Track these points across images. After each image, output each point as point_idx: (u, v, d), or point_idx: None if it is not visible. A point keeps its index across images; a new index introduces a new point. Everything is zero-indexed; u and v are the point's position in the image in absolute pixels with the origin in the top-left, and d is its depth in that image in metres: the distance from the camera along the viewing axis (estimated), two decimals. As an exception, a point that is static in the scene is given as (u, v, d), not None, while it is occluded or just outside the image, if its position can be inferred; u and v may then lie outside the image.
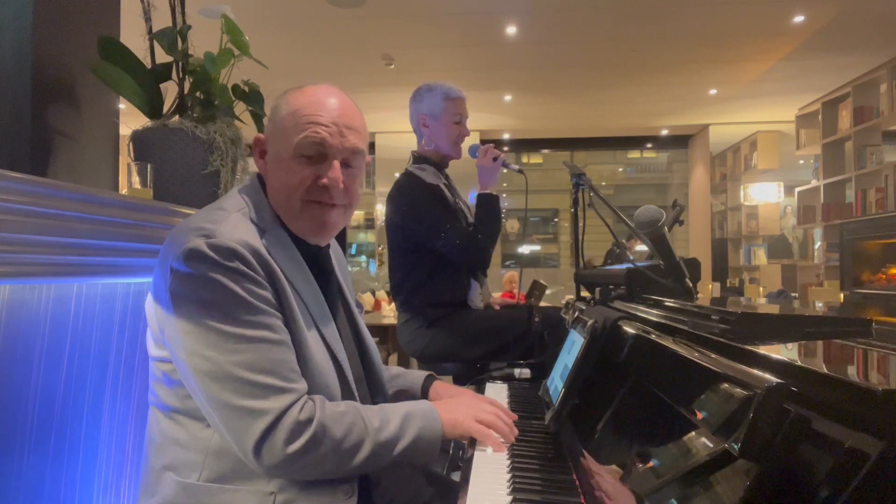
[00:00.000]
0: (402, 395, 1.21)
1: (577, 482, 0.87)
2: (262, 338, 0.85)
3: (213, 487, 0.87)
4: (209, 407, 0.85)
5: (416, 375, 1.23)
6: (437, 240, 1.90)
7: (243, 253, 0.87)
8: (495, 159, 1.96)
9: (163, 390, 0.93)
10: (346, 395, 0.98)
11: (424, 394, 1.20)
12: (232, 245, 0.86)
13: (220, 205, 0.97)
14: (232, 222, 0.91)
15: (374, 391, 1.12)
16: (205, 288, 0.84)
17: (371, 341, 1.16)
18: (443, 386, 1.21)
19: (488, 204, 1.94)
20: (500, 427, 0.99)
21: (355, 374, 1.03)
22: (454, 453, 1.49)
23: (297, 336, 0.92)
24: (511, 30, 4.44)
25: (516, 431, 1.03)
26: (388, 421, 0.91)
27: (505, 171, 2.05)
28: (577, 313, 1.23)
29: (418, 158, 2.06)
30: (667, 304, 1.08)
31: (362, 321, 1.18)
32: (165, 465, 0.90)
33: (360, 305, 1.20)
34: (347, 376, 0.99)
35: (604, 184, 12.33)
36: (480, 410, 1.01)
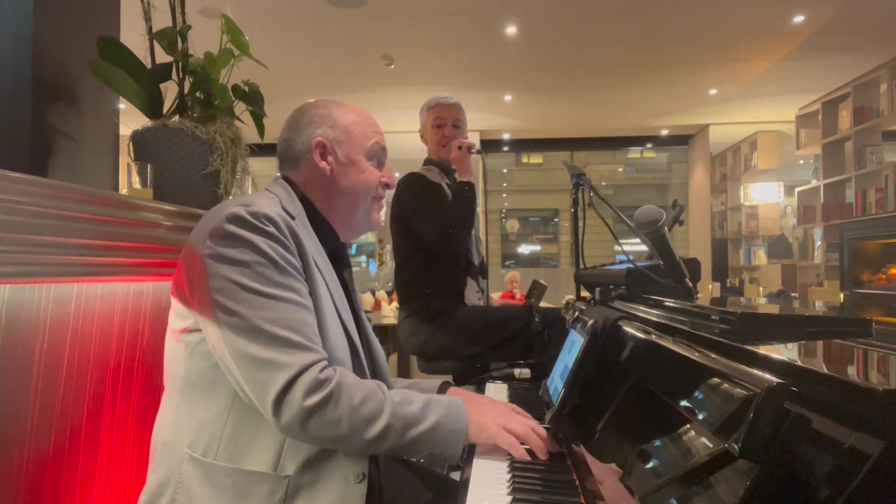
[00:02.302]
0: None
1: (577, 482, 0.87)
2: (290, 299, 0.91)
3: (228, 468, 0.89)
4: (234, 362, 0.87)
5: (430, 384, 1.23)
6: (419, 224, 2.01)
7: (278, 221, 0.94)
8: (460, 147, 2.07)
9: (183, 365, 0.95)
10: (359, 373, 1.00)
11: None
12: (269, 213, 0.94)
13: (250, 194, 1.07)
14: (267, 202, 0.99)
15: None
16: (241, 249, 0.90)
17: (376, 339, 1.20)
18: (460, 392, 1.19)
19: (460, 190, 2.04)
20: (532, 439, 0.96)
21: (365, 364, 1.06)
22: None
23: (318, 309, 0.96)
24: (511, 30, 4.44)
25: (552, 447, 0.97)
26: (411, 401, 0.93)
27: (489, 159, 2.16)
28: (577, 313, 1.23)
29: (426, 161, 2.22)
30: (667, 304, 1.08)
31: (367, 321, 1.20)
32: (183, 442, 0.92)
33: (368, 319, 1.23)
34: (360, 355, 1.03)
35: (604, 184, 12.34)
36: (511, 420, 0.98)
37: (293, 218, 1.01)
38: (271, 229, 0.93)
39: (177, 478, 0.90)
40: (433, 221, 1.98)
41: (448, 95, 2.19)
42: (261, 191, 1.11)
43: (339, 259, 1.13)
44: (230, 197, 1.48)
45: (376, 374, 1.13)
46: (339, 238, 1.14)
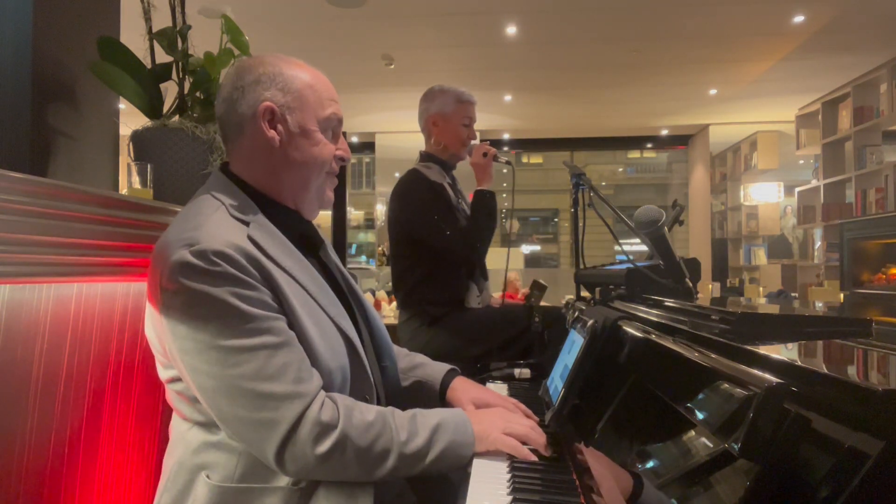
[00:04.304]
0: (420, 386, 1.19)
1: (577, 482, 0.87)
2: (263, 344, 0.83)
3: (242, 487, 0.87)
4: (222, 424, 0.85)
5: (438, 368, 1.21)
6: (433, 235, 1.93)
7: (230, 254, 0.84)
8: (485, 155, 2.00)
9: (185, 408, 0.93)
10: (360, 371, 0.98)
11: (443, 389, 1.18)
12: (217, 248, 0.83)
13: (194, 210, 0.93)
14: (214, 223, 0.88)
15: (379, 355, 1.12)
16: (195, 303, 0.82)
17: (369, 304, 1.16)
18: (463, 382, 1.18)
19: (483, 200, 1.96)
20: (533, 438, 0.97)
21: (363, 342, 1.04)
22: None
23: (304, 323, 0.90)
24: (511, 30, 4.44)
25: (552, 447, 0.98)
26: (417, 433, 0.90)
27: (500, 164, 2.09)
28: (577, 313, 1.23)
29: (425, 156, 2.09)
30: (667, 304, 1.08)
31: (357, 284, 1.17)
32: (199, 466, 0.90)
33: (354, 276, 1.19)
34: (359, 351, 0.99)
35: (604, 184, 12.34)
36: (511, 423, 0.98)
37: (248, 224, 0.92)
38: (222, 268, 0.82)
39: (191, 501, 0.89)
40: (449, 231, 1.91)
41: (471, 94, 2.08)
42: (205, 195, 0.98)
43: (311, 240, 1.07)
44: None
45: (380, 356, 1.12)
46: (303, 218, 1.05)
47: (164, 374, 0.94)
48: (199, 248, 0.83)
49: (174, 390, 0.93)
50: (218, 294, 0.82)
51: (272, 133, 0.96)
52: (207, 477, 0.88)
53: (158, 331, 0.89)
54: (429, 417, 0.94)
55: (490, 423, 0.97)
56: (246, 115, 0.97)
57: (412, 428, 0.90)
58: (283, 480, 0.87)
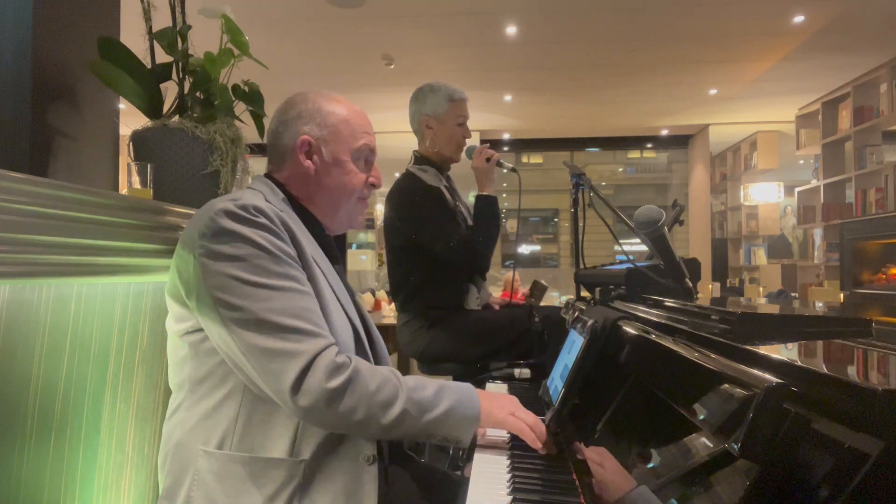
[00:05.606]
0: None
1: (577, 482, 0.87)
2: (291, 287, 0.91)
3: (245, 457, 0.90)
4: (244, 357, 0.88)
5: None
6: (435, 242, 1.88)
7: (268, 211, 0.95)
8: (488, 160, 1.93)
9: (189, 365, 0.96)
10: (363, 357, 1.01)
11: None
12: (257, 203, 0.95)
13: (233, 193, 1.05)
14: (251, 196, 1.00)
15: None
16: (234, 244, 0.91)
17: (374, 326, 1.20)
18: (482, 394, 1.21)
19: (485, 206, 1.91)
20: (538, 429, 0.99)
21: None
22: (454, 453, 1.49)
23: (318, 295, 0.97)
24: (511, 30, 4.44)
25: (552, 448, 1.00)
26: (424, 386, 0.94)
27: (503, 170, 2.02)
28: (577, 313, 1.23)
29: (420, 159, 2.03)
30: (667, 304, 1.08)
31: (364, 305, 1.21)
32: (196, 440, 0.93)
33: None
34: (363, 340, 1.04)
35: (604, 184, 12.34)
36: (519, 409, 1.01)
37: (280, 212, 1.01)
38: (262, 220, 0.93)
39: (192, 475, 0.91)
40: (450, 237, 1.86)
41: (461, 90, 2.00)
42: (242, 189, 1.12)
43: (329, 252, 1.13)
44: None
45: (378, 359, 1.14)
46: (325, 231, 1.14)
47: (178, 326, 0.97)
48: (241, 202, 0.94)
49: (186, 342, 0.96)
50: (254, 236, 0.91)
51: (308, 163, 1.09)
52: (207, 448, 0.91)
53: (188, 280, 0.93)
54: (435, 380, 0.98)
55: (499, 405, 1.00)
56: (288, 146, 1.10)
57: (419, 381, 0.95)
58: (282, 450, 0.90)
